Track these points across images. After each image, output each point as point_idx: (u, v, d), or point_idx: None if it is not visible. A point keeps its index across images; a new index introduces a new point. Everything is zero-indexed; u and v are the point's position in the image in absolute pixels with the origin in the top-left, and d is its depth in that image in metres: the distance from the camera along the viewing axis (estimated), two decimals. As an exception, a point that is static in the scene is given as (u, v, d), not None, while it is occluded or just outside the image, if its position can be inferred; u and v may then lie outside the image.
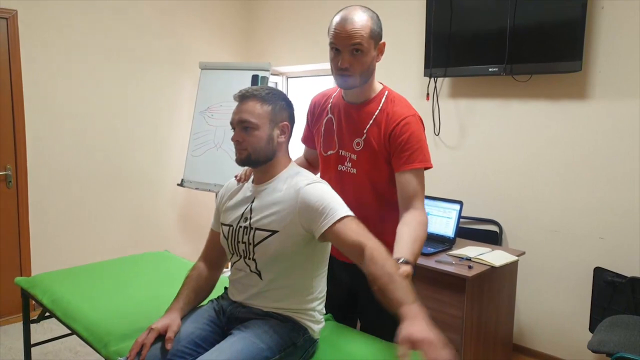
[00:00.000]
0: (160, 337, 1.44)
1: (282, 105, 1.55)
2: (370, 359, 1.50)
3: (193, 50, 4.16)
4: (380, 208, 1.64)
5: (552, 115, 2.74)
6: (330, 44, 1.57)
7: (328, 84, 5.75)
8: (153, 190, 4.02)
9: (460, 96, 3.08)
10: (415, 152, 1.54)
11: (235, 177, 1.74)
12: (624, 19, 2.47)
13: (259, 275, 1.50)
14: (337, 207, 1.40)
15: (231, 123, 1.56)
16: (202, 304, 1.66)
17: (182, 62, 4.10)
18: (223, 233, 1.61)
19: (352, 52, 1.53)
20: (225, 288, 1.69)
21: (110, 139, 3.72)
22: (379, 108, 1.61)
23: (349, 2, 3.91)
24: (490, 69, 2.79)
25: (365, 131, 1.61)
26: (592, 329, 2.59)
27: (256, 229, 1.49)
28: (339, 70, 1.56)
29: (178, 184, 3.90)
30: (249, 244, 1.50)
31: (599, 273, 2.59)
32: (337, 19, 1.56)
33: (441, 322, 2.29)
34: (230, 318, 1.54)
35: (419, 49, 3.14)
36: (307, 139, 1.87)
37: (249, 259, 1.51)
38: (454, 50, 2.94)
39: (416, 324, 1.13)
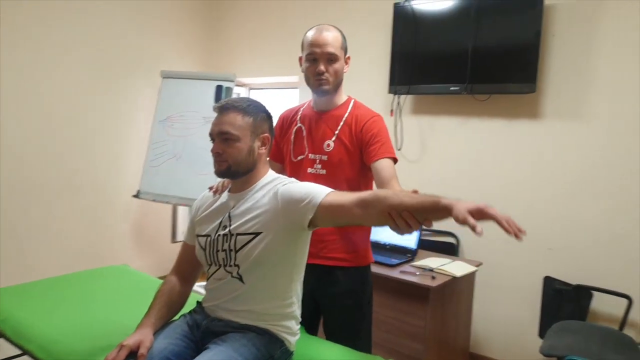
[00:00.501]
0: (132, 354, 1.41)
1: (262, 116, 1.58)
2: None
3: (154, 58, 4.09)
4: None
5: (507, 133, 2.90)
6: (307, 55, 1.75)
7: (291, 96, 5.82)
8: (107, 202, 3.90)
9: (422, 113, 3.20)
10: (385, 144, 1.73)
11: (210, 188, 1.75)
12: (571, 46, 2.67)
13: (241, 279, 1.50)
14: (318, 188, 1.44)
15: (210, 134, 1.56)
16: (174, 318, 1.64)
17: (142, 69, 4.03)
18: (200, 244, 1.60)
19: (327, 61, 1.74)
20: (198, 302, 1.68)
21: (63, 146, 3.59)
22: (348, 112, 1.80)
23: (314, 16, 4.01)
24: (451, 88, 2.93)
25: (336, 132, 1.77)
26: (541, 334, 2.74)
27: (237, 234, 1.51)
28: (316, 76, 1.74)
29: (133, 195, 3.80)
30: (230, 250, 1.51)
31: (548, 282, 2.75)
32: (311, 33, 1.78)
33: (404, 332, 2.37)
34: (205, 332, 1.53)
35: (385, 67, 3.24)
36: (274, 154, 1.94)
37: (231, 265, 1.51)
38: (417, 69, 3.06)
39: (464, 202, 1.18)
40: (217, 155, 1.53)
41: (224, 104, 1.55)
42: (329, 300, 1.81)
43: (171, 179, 3.72)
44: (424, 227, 1.30)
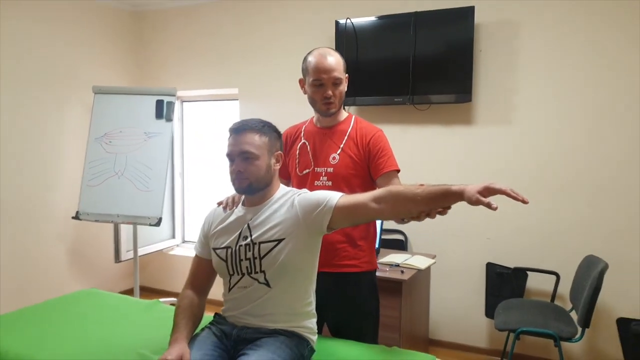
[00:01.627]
0: None
1: (275, 136, 1.70)
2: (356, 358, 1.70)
3: (83, 73, 3.93)
4: None
5: (445, 138, 3.25)
6: (314, 80, 1.83)
7: (227, 108, 5.82)
8: (39, 227, 3.67)
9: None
10: (390, 158, 1.86)
11: (219, 204, 1.81)
12: (496, 61, 3.08)
13: (268, 284, 1.60)
14: (331, 193, 1.60)
15: (229, 155, 1.64)
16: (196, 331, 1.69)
17: (71, 85, 3.85)
18: (219, 257, 1.67)
19: (334, 84, 1.83)
20: (217, 314, 1.75)
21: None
22: (351, 126, 1.91)
23: (247, 31, 4.10)
24: (395, 99, 3.21)
25: (341, 146, 1.88)
26: (487, 314, 3.11)
27: (260, 242, 1.61)
28: (324, 100, 1.84)
29: (73, 217, 3.61)
30: (255, 258, 1.60)
31: (490, 267, 3.13)
32: (315, 59, 1.85)
33: (382, 325, 2.56)
34: (237, 340, 1.61)
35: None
36: (279, 170, 2.00)
37: (256, 272, 1.61)
38: (361, 83, 3.30)
39: (471, 186, 1.36)
40: (239, 173, 1.62)
41: (241, 126, 1.64)
42: (339, 305, 1.89)
43: (113, 197, 3.60)
44: (439, 214, 1.48)
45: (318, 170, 1.89)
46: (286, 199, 1.66)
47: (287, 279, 1.62)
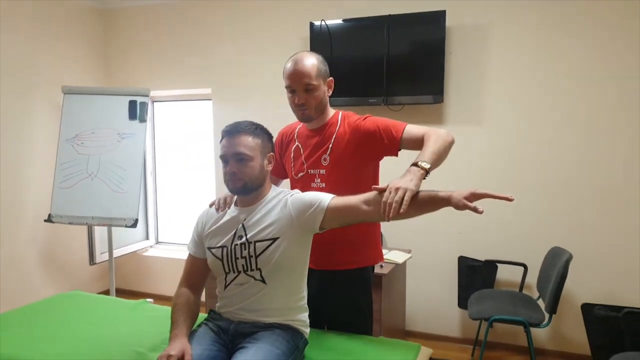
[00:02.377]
0: None
1: (267, 138, 1.76)
2: (350, 349, 1.78)
3: (50, 74, 3.85)
4: None
5: (417, 137, 3.37)
6: (287, 87, 1.83)
7: (197, 108, 5.78)
8: (10, 230, 3.59)
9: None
10: (391, 124, 1.80)
11: (211, 205, 1.85)
12: (466, 64, 3.23)
13: (263, 281, 1.67)
14: (323, 194, 1.67)
15: (223, 156, 1.69)
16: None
17: (38, 86, 3.77)
18: (215, 255, 1.72)
19: (305, 90, 1.80)
20: (212, 310, 1.80)
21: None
22: (339, 124, 1.88)
23: (220, 32, 4.13)
24: (370, 100, 3.32)
25: (330, 146, 1.85)
26: (460, 305, 3.25)
27: (255, 241, 1.67)
28: (297, 107, 1.84)
29: (45, 220, 3.54)
30: (250, 256, 1.66)
31: (462, 260, 3.28)
32: (289, 64, 1.83)
33: (363, 317, 2.67)
34: (235, 335, 1.66)
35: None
36: (275, 170, 1.99)
37: (252, 270, 1.67)
38: (336, 84, 3.34)
39: (458, 192, 1.49)
40: (233, 174, 1.67)
41: (234, 128, 1.69)
42: (334, 302, 1.92)
43: (87, 199, 3.56)
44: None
45: (311, 172, 1.89)
46: (279, 199, 1.73)
47: (281, 276, 1.68)
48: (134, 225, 3.54)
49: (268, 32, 3.77)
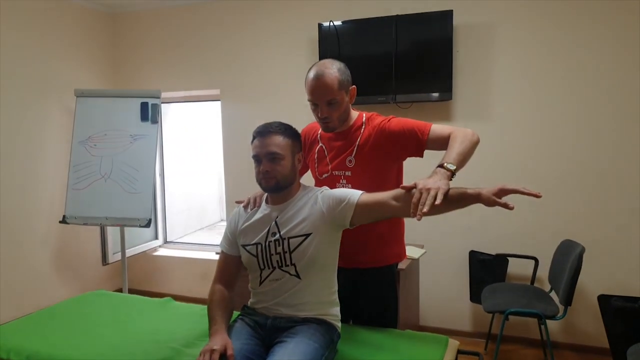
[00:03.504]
0: (222, 356, 1.56)
1: (296, 137, 1.81)
2: (376, 342, 1.84)
3: (63, 76, 3.88)
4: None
5: (427, 135, 3.43)
6: (309, 100, 1.85)
7: (207, 109, 5.81)
8: (24, 232, 3.61)
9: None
10: (416, 125, 1.82)
11: (238, 203, 1.91)
12: (473, 62, 3.29)
13: (298, 276, 1.72)
14: (353, 191, 1.72)
15: (256, 156, 1.74)
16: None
17: (51, 89, 3.80)
18: (249, 252, 1.77)
19: (327, 104, 1.81)
20: (246, 306, 1.84)
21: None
22: (363, 126, 1.90)
23: (228, 33, 4.15)
24: (379, 98, 3.37)
25: (355, 149, 1.87)
26: (472, 299, 3.32)
27: (289, 237, 1.72)
28: (320, 119, 1.87)
29: (60, 221, 3.57)
30: (285, 252, 1.72)
31: (473, 254, 3.34)
32: (310, 76, 1.83)
33: (381, 312, 2.72)
34: (272, 329, 1.72)
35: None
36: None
37: (287, 265, 1.72)
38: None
39: (486, 189, 1.51)
40: (266, 173, 1.72)
41: (265, 129, 1.75)
42: (361, 299, 1.98)
43: (100, 200, 3.59)
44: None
45: (336, 173, 1.91)
46: (310, 196, 1.78)
47: (315, 270, 1.73)
48: (148, 225, 3.57)
49: (277, 33, 3.81)
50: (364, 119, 1.94)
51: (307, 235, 1.71)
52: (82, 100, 3.72)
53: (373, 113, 1.98)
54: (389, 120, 1.89)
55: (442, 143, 1.77)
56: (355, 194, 1.70)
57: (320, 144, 2.00)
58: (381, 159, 1.87)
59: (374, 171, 1.88)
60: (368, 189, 1.76)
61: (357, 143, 1.88)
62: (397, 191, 1.64)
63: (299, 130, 1.93)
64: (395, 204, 1.63)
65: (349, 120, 1.93)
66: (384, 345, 1.79)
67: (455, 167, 1.63)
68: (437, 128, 1.82)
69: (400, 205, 1.62)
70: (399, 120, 1.87)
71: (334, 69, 1.82)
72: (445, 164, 1.62)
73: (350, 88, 1.89)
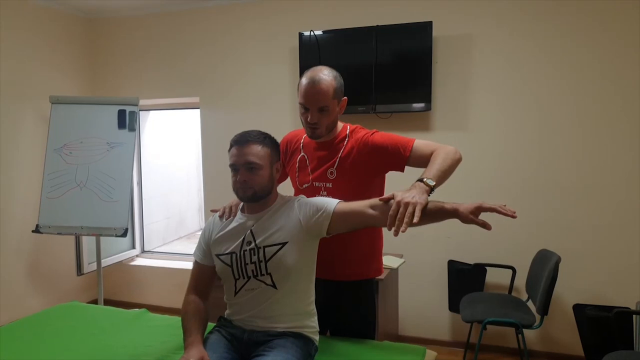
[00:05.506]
0: None
1: (275, 147, 1.79)
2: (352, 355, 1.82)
3: (38, 82, 3.81)
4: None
5: (407, 145, 3.45)
6: (300, 103, 1.82)
7: (185, 116, 5.76)
8: (-5, 241, 3.52)
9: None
10: (399, 141, 1.81)
11: (213, 211, 1.89)
12: (451, 71, 3.33)
13: (274, 286, 1.69)
14: (329, 200, 1.72)
15: (233, 165, 1.71)
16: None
17: (27, 95, 3.72)
18: (223, 262, 1.74)
19: (319, 110, 1.79)
20: (222, 317, 1.81)
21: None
22: (347, 139, 1.88)
23: (208, 41, 4.13)
24: (359, 109, 3.38)
25: (337, 160, 1.85)
26: (451, 308, 3.33)
27: (265, 246, 1.70)
28: (308, 124, 1.84)
29: (33, 231, 3.49)
30: (260, 261, 1.69)
31: (452, 264, 3.36)
32: (304, 81, 1.80)
33: (360, 322, 2.70)
34: (248, 343, 1.69)
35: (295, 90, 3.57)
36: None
37: (262, 274, 1.69)
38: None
39: (464, 205, 1.48)
40: (244, 183, 1.69)
41: (243, 138, 1.72)
42: (339, 313, 1.96)
43: (76, 209, 3.52)
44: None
45: (317, 185, 1.89)
46: (286, 205, 1.76)
47: (291, 280, 1.71)
48: (124, 234, 3.51)
49: (257, 42, 3.80)
50: (347, 131, 1.92)
51: (284, 244, 1.69)
52: (58, 107, 3.65)
53: (357, 125, 1.96)
54: (372, 134, 1.87)
55: (424, 160, 1.76)
56: (332, 203, 1.69)
57: (302, 153, 1.96)
58: (362, 172, 1.86)
59: (355, 184, 1.86)
60: (355, 196, 1.75)
61: (339, 155, 1.87)
62: (374, 200, 1.63)
63: (280, 138, 1.92)
64: (372, 213, 1.62)
65: (334, 131, 1.92)
66: (361, 357, 1.78)
67: (434, 183, 1.62)
68: (420, 145, 1.81)
69: (377, 215, 1.61)
70: (382, 135, 1.87)
71: (330, 76, 1.82)
72: (425, 179, 1.61)
73: (342, 99, 1.88)
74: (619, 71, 3.00)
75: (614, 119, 3.04)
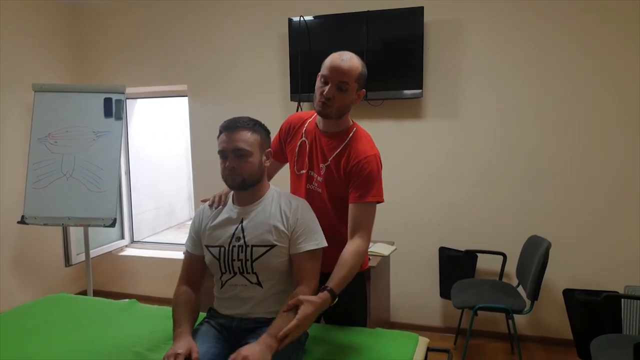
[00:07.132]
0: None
1: (265, 134, 1.76)
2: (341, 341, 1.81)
3: (20, 70, 3.72)
4: (338, 223, 1.85)
5: (397, 132, 3.43)
6: (322, 75, 1.73)
7: (174, 104, 5.70)
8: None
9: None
10: (372, 188, 1.73)
11: (204, 201, 1.85)
12: (443, 57, 3.30)
13: (260, 284, 1.68)
14: (319, 235, 1.71)
15: (222, 152, 1.68)
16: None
17: (9, 83, 3.64)
18: (212, 254, 1.72)
19: (338, 87, 1.70)
20: (212, 309, 1.79)
21: None
22: (345, 142, 1.79)
23: (196, 28, 4.07)
24: (350, 95, 3.34)
25: (329, 159, 1.80)
26: (442, 294, 3.33)
27: (252, 245, 1.67)
28: (322, 97, 1.72)
29: (18, 222, 3.43)
30: (247, 260, 1.67)
31: (443, 251, 3.36)
32: (333, 55, 1.75)
33: (352, 310, 2.70)
34: (237, 331, 1.67)
35: (287, 76, 3.54)
36: (276, 153, 1.98)
37: (248, 273, 1.68)
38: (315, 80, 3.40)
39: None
40: (232, 170, 1.66)
41: (232, 124, 1.68)
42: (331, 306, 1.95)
43: (62, 199, 3.46)
44: None
45: (312, 174, 1.86)
46: (281, 204, 1.73)
47: (278, 280, 1.70)
48: (113, 224, 3.47)
49: (246, 28, 3.74)
50: (352, 133, 1.83)
51: (271, 246, 1.67)
52: (41, 96, 3.57)
53: (365, 133, 1.88)
54: (366, 158, 1.76)
55: (352, 222, 1.74)
56: (306, 245, 1.68)
57: (304, 139, 1.90)
58: (339, 180, 1.81)
59: (342, 183, 1.80)
60: (335, 196, 1.78)
61: (333, 155, 1.81)
62: (302, 288, 1.63)
63: (269, 125, 1.86)
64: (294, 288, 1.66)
65: (341, 124, 1.84)
66: (353, 344, 1.76)
67: (336, 296, 1.62)
68: (361, 213, 1.73)
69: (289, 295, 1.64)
70: (371, 168, 1.75)
71: (359, 62, 1.77)
72: (329, 288, 1.60)
73: (362, 89, 1.81)
74: (610, 55, 3.00)
75: (605, 105, 3.03)
